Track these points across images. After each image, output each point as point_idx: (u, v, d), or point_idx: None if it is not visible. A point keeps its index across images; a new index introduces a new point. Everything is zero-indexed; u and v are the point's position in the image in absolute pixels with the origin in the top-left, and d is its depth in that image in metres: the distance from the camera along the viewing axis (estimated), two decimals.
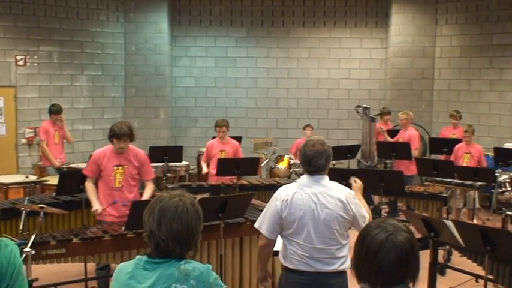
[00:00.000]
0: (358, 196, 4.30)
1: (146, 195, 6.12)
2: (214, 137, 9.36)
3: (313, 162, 3.98)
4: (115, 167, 6.06)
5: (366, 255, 2.16)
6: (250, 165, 8.51)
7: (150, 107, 12.47)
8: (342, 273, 4.03)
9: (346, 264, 4.04)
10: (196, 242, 2.63)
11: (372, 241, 2.16)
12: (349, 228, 4.08)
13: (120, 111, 12.45)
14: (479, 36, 11.87)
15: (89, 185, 6.14)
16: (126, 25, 12.39)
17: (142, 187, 6.38)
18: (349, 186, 4.35)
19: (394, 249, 2.13)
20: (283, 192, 4.03)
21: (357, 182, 4.50)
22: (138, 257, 2.64)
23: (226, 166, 8.26)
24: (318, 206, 3.93)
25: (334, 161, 10.23)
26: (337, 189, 4.02)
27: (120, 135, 5.94)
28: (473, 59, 11.97)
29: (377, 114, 11.04)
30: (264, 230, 4.05)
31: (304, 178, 4.06)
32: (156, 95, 12.47)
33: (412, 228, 5.74)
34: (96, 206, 6.00)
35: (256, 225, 4.14)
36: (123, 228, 5.42)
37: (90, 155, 6.52)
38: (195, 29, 12.97)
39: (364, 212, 4.08)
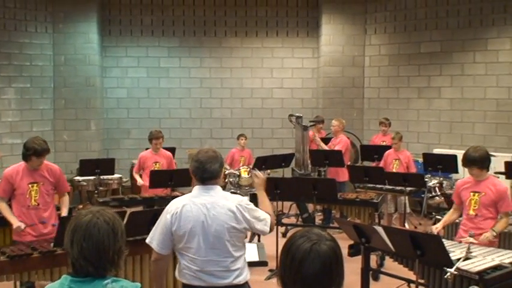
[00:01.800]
0: (260, 193, 4.29)
1: (65, 211, 5.98)
2: (147, 148, 9.30)
3: (206, 168, 3.88)
4: (30, 185, 5.83)
5: (291, 265, 2.18)
6: (184, 176, 8.40)
7: (81, 119, 12.23)
8: (238, 287, 3.96)
9: (242, 277, 3.96)
10: (112, 262, 2.51)
11: (296, 251, 2.18)
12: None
13: (50, 123, 12.17)
14: (407, 45, 12.21)
15: (2, 206, 5.84)
16: (55, 36, 12.14)
17: None
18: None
19: (318, 258, 2.16)
20: (173, 205, 3.92)
21: (258, 178, 4.43)
22: (63, 276, 2.55)
23: (159, 178, 8.17)
24: (208, 217, 3.83)
25: (269, 170, 10.33)
26: (228, 199, 3.93)
27: (41, 152, 5.71)
28: (402, 67, 12.31)
29: (311, 121, 11.12)
30: (154, 245, 3.92)
31: (195, 189, 3.96)
32: (86, 107, 12.24)
33: (344, 234, 5.86)
34: (17, 223, 5.71)
35: (147, 240, 4.00)
36: (51, 244, 5.30)
37: None
38: (126, 39, 12.84)
39: (261, 215, 4.02)
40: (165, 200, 8.11)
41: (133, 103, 12.93)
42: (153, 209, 6.59)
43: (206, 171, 3.89)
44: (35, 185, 5.84)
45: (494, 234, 5.50)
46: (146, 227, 5.29)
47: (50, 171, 5.95)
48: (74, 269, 2.49)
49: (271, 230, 4.12)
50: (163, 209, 4.03)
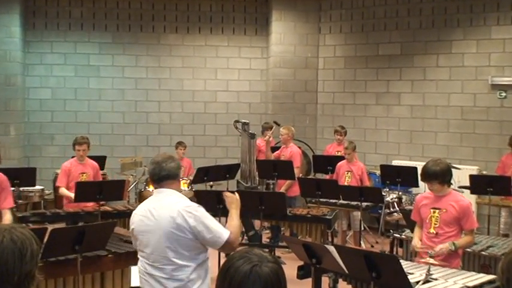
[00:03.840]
0: (232, 212, 4.43)
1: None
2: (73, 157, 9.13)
3: (163, 166, 4.20)
4: None
5: None
6: (115, 188, 8.28)
7: None
8: None
9: None
10: (17, 285, 2.41)
11: (235, 273, 2.17)
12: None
13: None
14: (364, 47, 12.36)
15: None
16: None
17: None
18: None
19: (258, 281, 2.15)
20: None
21: (228, 197, 4.59)
22: None
23: (86, 190, 7.96)
24: (149, 221, 4.17)
25: (211, 182, 10.29)
26: (173, 204, 4.14)
27: None
28: (358, 70, 12.44)
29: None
30: None
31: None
32: (5, 109, 11.95)
33: (293, 254, 5.86)
34: None
35: None
36: None
37: None
38: (52, 34, 12.62)
39: (215, 226, 4.15)
40: (92, 216, 8.00)
41: (59, 105, 12.70)
42: (78, 225, 6.46)
43: (163, 170, 4.22)
44: None
45: (453, 248, 5.46)
46: (70, 245, 5.19)
47: None
48: None
49: (233, 249, 4.25)
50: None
